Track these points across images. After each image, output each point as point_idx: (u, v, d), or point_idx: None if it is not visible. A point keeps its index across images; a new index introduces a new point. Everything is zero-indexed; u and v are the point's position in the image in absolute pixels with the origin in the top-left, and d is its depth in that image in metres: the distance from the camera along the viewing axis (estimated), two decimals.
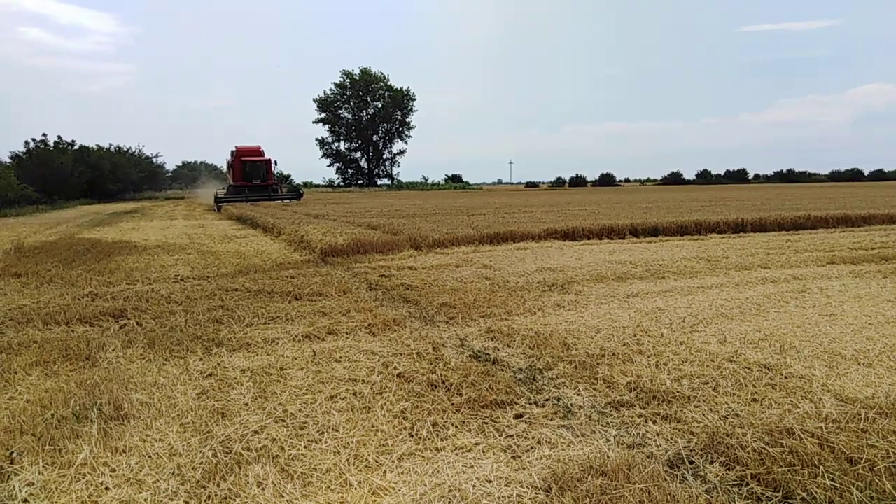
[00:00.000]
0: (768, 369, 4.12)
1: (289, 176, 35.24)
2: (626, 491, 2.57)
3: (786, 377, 3.97)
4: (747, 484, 2.70)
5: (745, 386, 3.84)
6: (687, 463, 2.91)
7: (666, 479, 2.70)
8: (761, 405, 3.54)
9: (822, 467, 2.72)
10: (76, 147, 48.53)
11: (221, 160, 47.51)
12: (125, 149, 62.35)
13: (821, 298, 6.35)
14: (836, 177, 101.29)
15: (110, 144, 58.37)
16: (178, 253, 11.61)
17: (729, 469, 2.84)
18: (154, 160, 70.88)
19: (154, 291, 7.36)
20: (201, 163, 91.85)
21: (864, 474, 2.64)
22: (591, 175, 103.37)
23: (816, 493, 2.54)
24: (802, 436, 3.03)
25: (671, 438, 3.18)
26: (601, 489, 2.61)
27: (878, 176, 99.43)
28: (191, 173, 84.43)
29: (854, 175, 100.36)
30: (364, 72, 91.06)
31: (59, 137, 47.45)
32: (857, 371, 4.08)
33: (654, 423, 3.39)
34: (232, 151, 35.65)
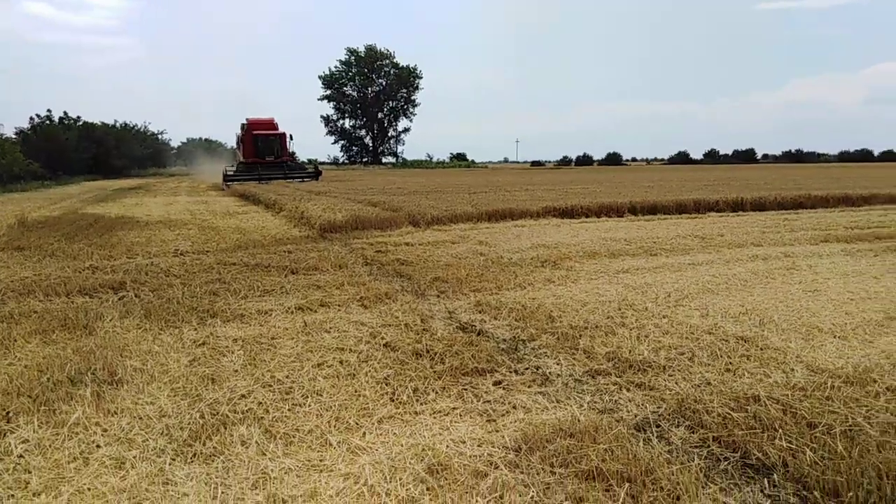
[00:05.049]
0: (745, 341, 4.22)
1: (293, 153, 34.46)
2: (591, 450, 2.69)
3: (761, 349, 4.07)
4: (708, 446, 2.82)
5: (721, 357, 3.94)
6: (653, 427, 3.03)
7: (630, 441, 2.82)
8: (734, 375, 3.65)
9: (781, 430, 2.83)
10: (81, 123, 48.61)
11: (227, 136, 46.97)
12: (130, 125, 62.42)
13: (808, 275, 6.43)
14: (845, 157, 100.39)
15: (115, 121, 58.47)
16: (179, 228, 11.74)
17: (693, 432, 2.95)
18: (159, 137, 71.01)
19: (153, 265, 7.50)
20: (205, 139, 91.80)
21: (820, 437, 2.75)
22: (599, 155, 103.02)
23: (771, 453, 2.66)
24: (768, 402, 3.14)
25: (642, 404, 3.30)
26: (567, 449, 2.73)
27: (888, 156, 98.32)
28: (195, 150, 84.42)
29: (864, 155, 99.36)
30: (370, 49, 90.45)
31: (64, 113, 47.58)
32: (832, 343, 4.17)
33: (628, 390, 3.51)
34: (242, 125, 33.05)
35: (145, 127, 66.71)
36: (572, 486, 2.49)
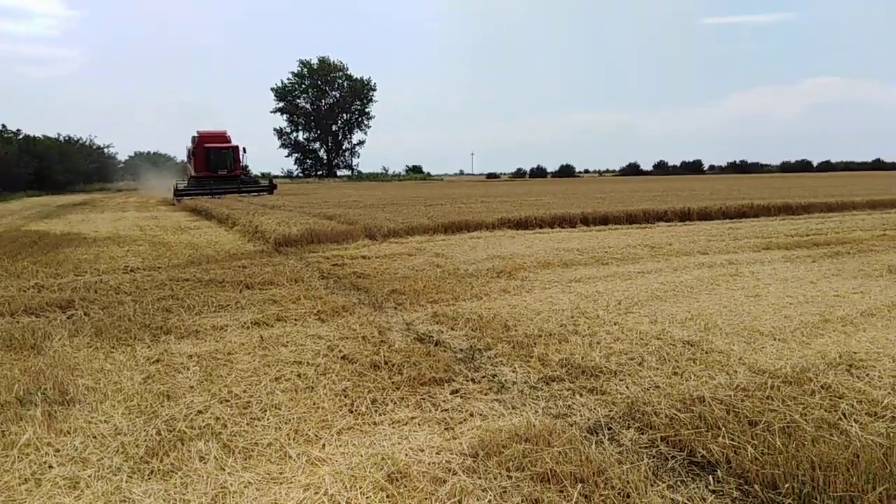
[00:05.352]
0: (691, 345, 4.40)
1: (247, 167, 33.91)
2: (545, 454, 2.78)
3: (706, 352, 4.25)
4: (657, 445, 2.95)
5: (669, 361, 4.10)
6: (605, 429, 3.14)
7: (583, 443, 2.92)
8: (681, 378, 3.81)
9: (724, 429, 2.98)
10: (21, 137, 46.94)
11: (176, 150, 45.94)
12: (75, 139, 60.61)
13: (750, 281, 6.73)
14: (786, 168, 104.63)
15: (59, 134, 56.70)
16: (128, 244, 11.47)
17: (642, 433, 3.08)
18: (105, 151, 69.17)
19: (103, 282, 7.32)
20: (153, 153, 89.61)
21: (761, 434, 2.91)
22: (553, 167, 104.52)
23: (715, 450, 2.80)
24: (712, 403, 3.30)
25: (594, 408, 3.42)
26: (523, 453, 2.82)
27: (826, 167, 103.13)
28: (143, 164, 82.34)
29: (804, 166, 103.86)
30: (322, 61, 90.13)
31: (2, 126, 45.88)
32: (772, 346, 4.39)
33: (581, 395, 3.62)
34: (193, 138, 32.30)
35: (90, 140, 65.01)
36: (528, 489, 2.57)
